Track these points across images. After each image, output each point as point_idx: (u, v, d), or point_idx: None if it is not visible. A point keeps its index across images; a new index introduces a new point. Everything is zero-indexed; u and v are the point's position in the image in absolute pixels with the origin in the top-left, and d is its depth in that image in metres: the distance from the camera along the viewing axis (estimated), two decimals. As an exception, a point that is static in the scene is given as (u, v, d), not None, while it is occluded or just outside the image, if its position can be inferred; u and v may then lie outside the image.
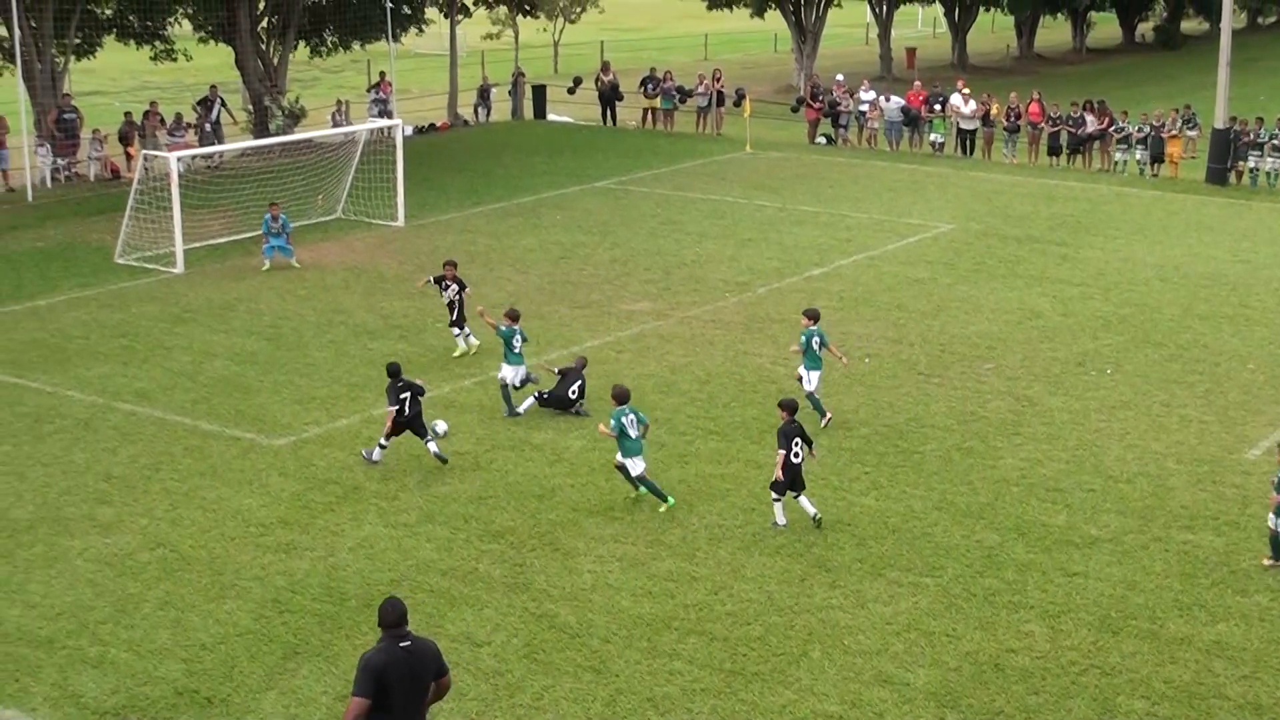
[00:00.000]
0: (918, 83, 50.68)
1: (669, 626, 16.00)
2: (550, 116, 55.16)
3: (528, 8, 60.53)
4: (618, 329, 27.15)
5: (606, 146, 48.36)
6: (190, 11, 47.06)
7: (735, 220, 36.65)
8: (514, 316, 22.64)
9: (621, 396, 19.12)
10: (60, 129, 42.05)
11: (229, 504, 19.15)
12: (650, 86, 52.03)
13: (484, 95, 54.83)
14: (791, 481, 18.42)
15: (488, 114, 54.99)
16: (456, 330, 25.62)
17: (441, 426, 21.08)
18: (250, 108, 47.05)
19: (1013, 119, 45.38)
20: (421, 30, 54.97)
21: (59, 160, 42.12)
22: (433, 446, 20.41)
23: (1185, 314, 28.42)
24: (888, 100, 47.91)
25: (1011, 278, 31.06)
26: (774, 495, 18.59)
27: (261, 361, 25.03)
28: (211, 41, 48.05)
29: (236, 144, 42.52)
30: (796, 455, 18.39)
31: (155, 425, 21.96)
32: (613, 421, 18.90)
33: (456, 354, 25.51)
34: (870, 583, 17.09)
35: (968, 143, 46.58)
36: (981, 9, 73.70)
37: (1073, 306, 28.85)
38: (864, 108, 48.30)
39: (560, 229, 35.63)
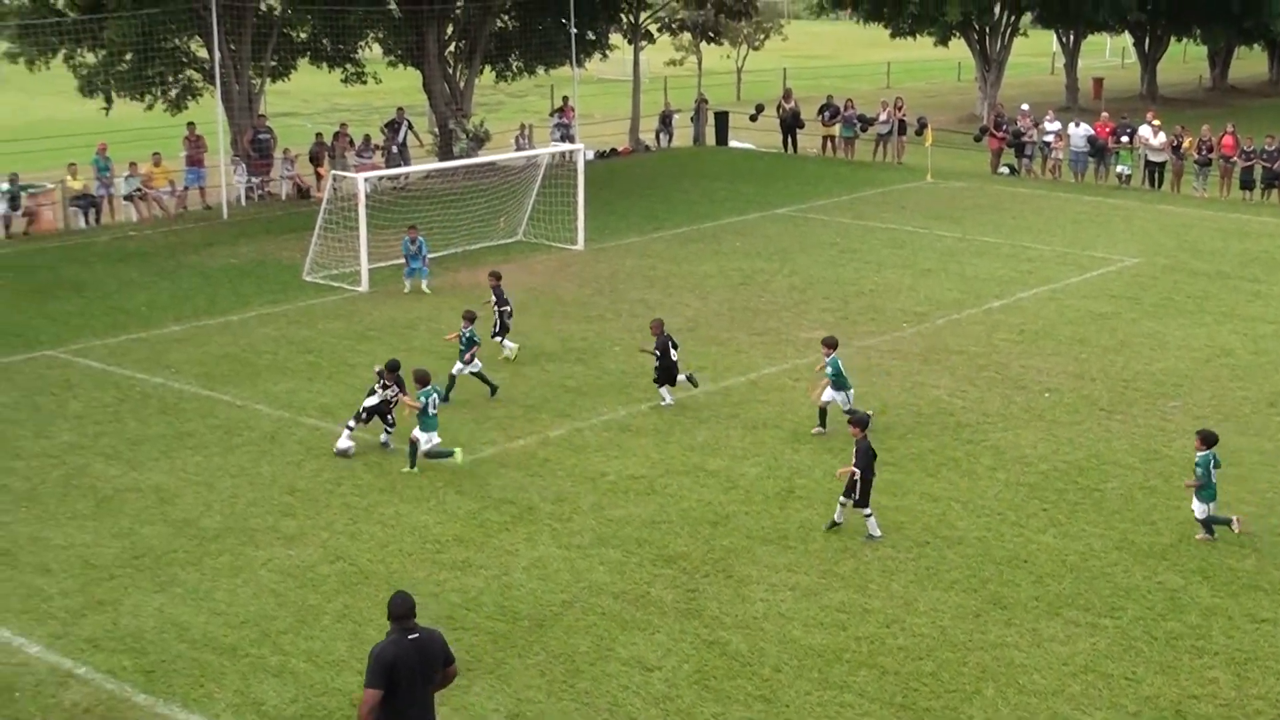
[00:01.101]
0: (1105, 113, 49.75)
1: (840, 658, 15.86)
2: (731, 143, 55.25)
3: (711, 35, 60.83)
4: (795, 356, 27.05)
5: (787, 173, 48.29)
6: (381, 36, 48.06)
7: (915, 250, 36.32)
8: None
9: (423, 379, 21.15)
10: (255, 149, 43.27)
11: (407, 520, 19.46)
12: (830, 114, 51.86)
13: (666, 121, 55.11)
14: (860, 493, 18.84)
15: (669, 139, 55.25)
16: (502, 340, 26.77)
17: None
18: (436, 130, 47.88)
19: (1204, 152, 44.29)
20: (605, 56, 55.42)
21: (253, 179, 43.33)
22: (384, 437, 22.09)
23: (1383, 355, 27.45)
24: (1076, 126, 47.10)
25: (1200, 314, 30.29)
26: (865, 512, 18.88)
27: (439, 379, 25.37)
28: (400, 65, 49.04)
29: (422, 166, 43.28)
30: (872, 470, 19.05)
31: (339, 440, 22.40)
32: (421, 398, 20.95)
33: (502, 357, 26.53)
34: (1047, 621, 16.76)
35: (1156, 175, 45.57)
36: (1173, 39, 72.11)
37: (1265, 345, 28.03)
38: (1049, 138, 47.56)
39: (740, 255, 35.64)
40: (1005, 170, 48.67)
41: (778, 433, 22.83)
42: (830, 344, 22.85)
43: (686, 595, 17.31)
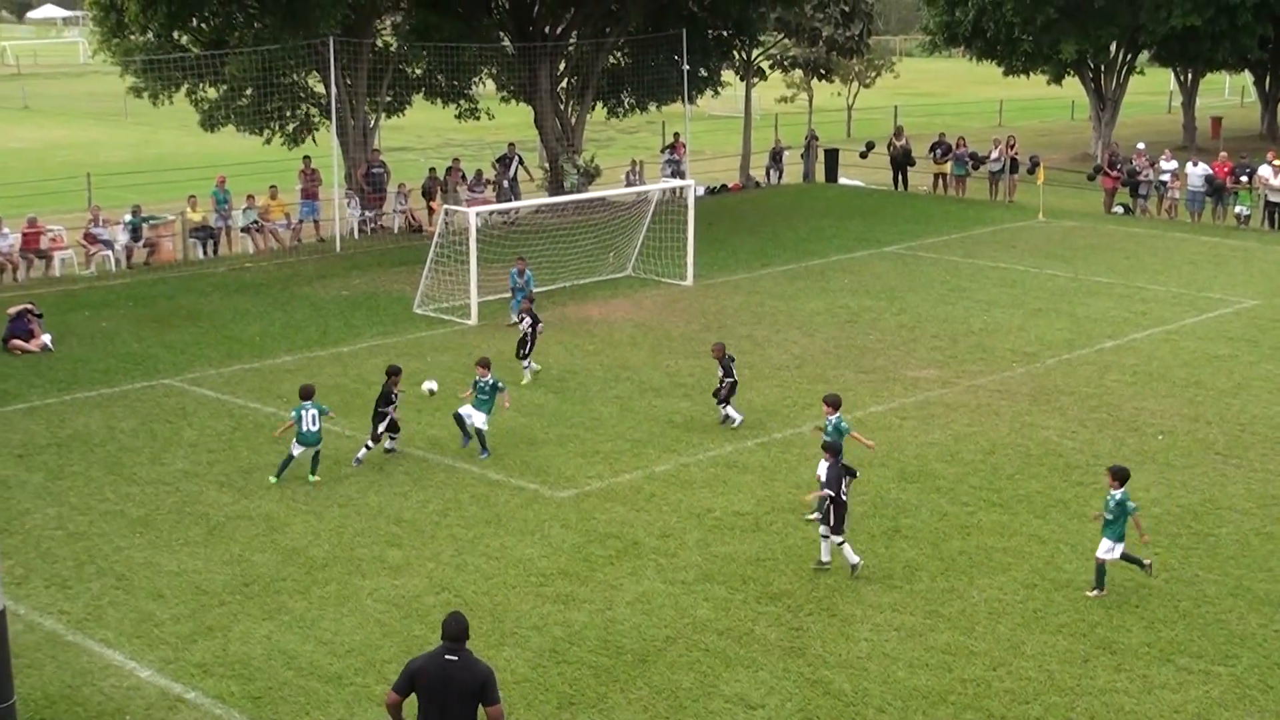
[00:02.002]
0: (1223, 153, 48.98)
1: (945, 700, 15.67)
2: (841, 180, 55.12)
3: (823, 72, 60.77)
4: (902, 395, 26.86)
5: (897, 211, 48.05)
6: (494, 72, 48.51)
7: (1025, 289, 35.96)
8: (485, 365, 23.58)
9: (306, 394, 22.20)
10: (369, 182, 43.82)
11: (511, 553, 19.53)
12: (942, 151, 51.58)
13: (776, 157, 55.11)
14: (834, 519, 18.69)
15: (779, 176, 55.23)
16: (525, 363, 27.49)
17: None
18: (546, 166, 48.24)
19: (1325, 192, 43.47)
20: (717, 93, 55.56)
21: (366, 212, 43.87)
22: (388, 443, 23.25)
23: None
24: (1194, 165, 46.43)
25: (1319, 357, 29.69)
26: (839, 540, 18.75)
27: (548, 414, 25.51)
28: (513, 101, 49.46)
29: (532, 200, 43.60)
30: (845, 493, 18.84)
31: (445, 472, 22.58)
32: (293, 413, 22.01)
33: (524, 383, 27.10)
34: (1158, 668, 16.44)
35: (1276, 216, 44.76)
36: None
37: (1385, 390, 27.40)
38: (1165, 177, 46.92)
39: (848, 293, 35.49)
40: (1119, 210, 48.08)
41: (883, 471, 22.65)
42: (832, 403, 21.18)
43: (790, 633, 17.20)
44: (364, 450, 22.98)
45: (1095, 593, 18.29)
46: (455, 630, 12.21)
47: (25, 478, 22.37)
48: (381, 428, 23.04)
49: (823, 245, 41.87)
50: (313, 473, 22.21)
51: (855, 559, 18.76)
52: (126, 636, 17.10)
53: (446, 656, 12.12)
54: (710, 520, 20.57)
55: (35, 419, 25.36)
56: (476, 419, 23.32)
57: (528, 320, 27.78)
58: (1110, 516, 18.37)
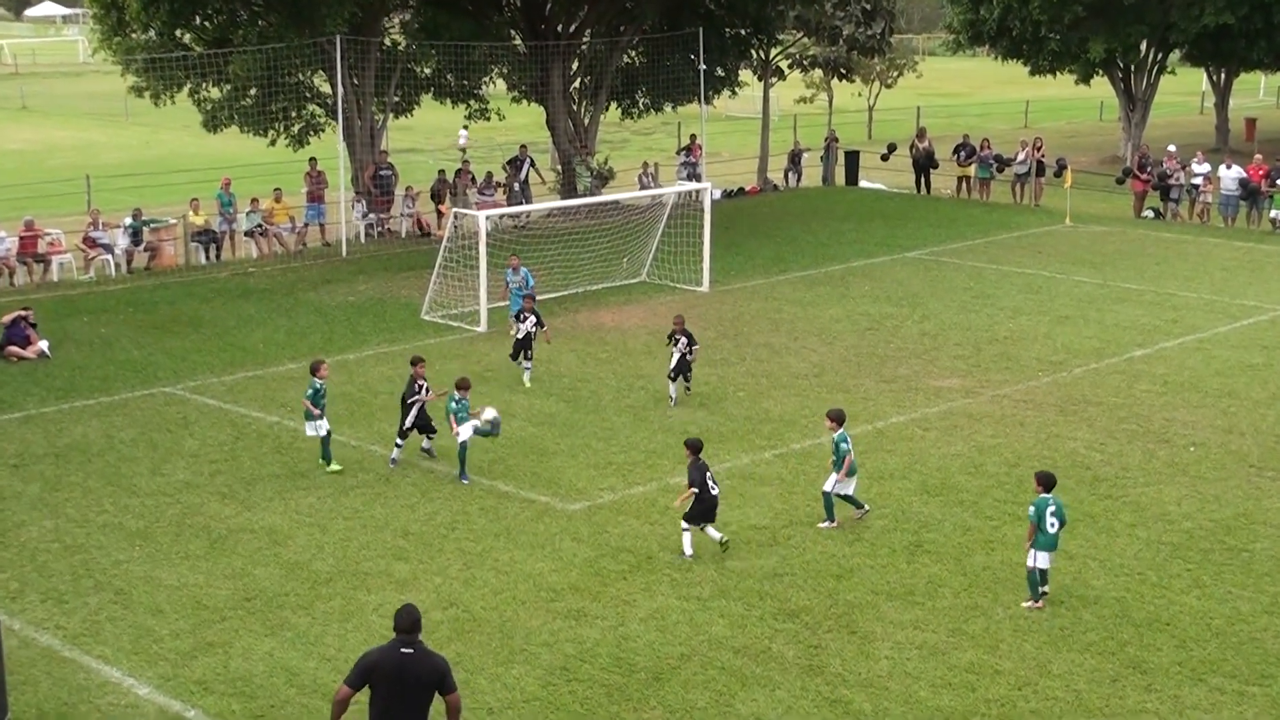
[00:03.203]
0: (1258, 155, 48.87)
1: (969, 722, 15.63)
2: (862, 183, 55.08)
3: (843, 72, 60.78)
4: (925, 405, 26.81)
5: (919, 215, 48.01)
6: (505, 71, 48.48)
7: (1052, 296, 35.89)
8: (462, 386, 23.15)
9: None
10: (376, 185, 43.85)
11: (521, 567, 19.51)
12: (966, 154, 51.52)
13: (795, 160, 55.11)
14: (705, 514, 19.72)
15: (798, 179, 55.23)
16: (525, 364, 28.00)
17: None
18: (559, 168, 48.26)
19: (1363, 196, 43.34)
20: (734, 93, 55.58)
21: (373, 216, 43.91)
22: (425, 443, 23.58)
23: None
24: (1228, 168, 46.32)
25: (1356, 367, 29.58)
26: (685, 525, 19.81)
27: (559, 424, 25.50)
28: (524, 101, 49.48)
29: (544, 204, 43.62)
30: (714, 488, 19.76)
31: (453, 483, 22.57)
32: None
33: (526, 386, 27.68)
34: (1190, 688, 16.37)
35: (1311, 220, 44.66)
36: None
37: None
38: (1197, 181, 46.82)
39: (868, 299, 35.46)
40: (1150, 214, 47.98)
41: (905, 484, 22.61)
42: (835, 418, 20.94)
43: (809, 651, 17.16)
44: (396, 450, 23.20)
45: (1030, 604, 18.42)
46: (407, 622, 12.66)
47: (21, 489, 22.40)
48: (410, 420, 23.19)
49: (843, 250, 41.83)
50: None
51: (689, 552, 19.74)
52: (125, 652, 17.10)
53: (402, 650, 12.57)
54: (726, 534, 20.49)
55: (32, 428, 25.40)
56: (464, 432, 22.55)
57: (531, 319, 27.84)
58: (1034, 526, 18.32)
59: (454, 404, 22.70)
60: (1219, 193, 46.31)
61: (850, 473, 20.80)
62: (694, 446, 20.00)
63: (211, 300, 35.38)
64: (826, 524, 20.86)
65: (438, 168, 48.21)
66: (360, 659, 12.80)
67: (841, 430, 20.76)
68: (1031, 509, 18.34)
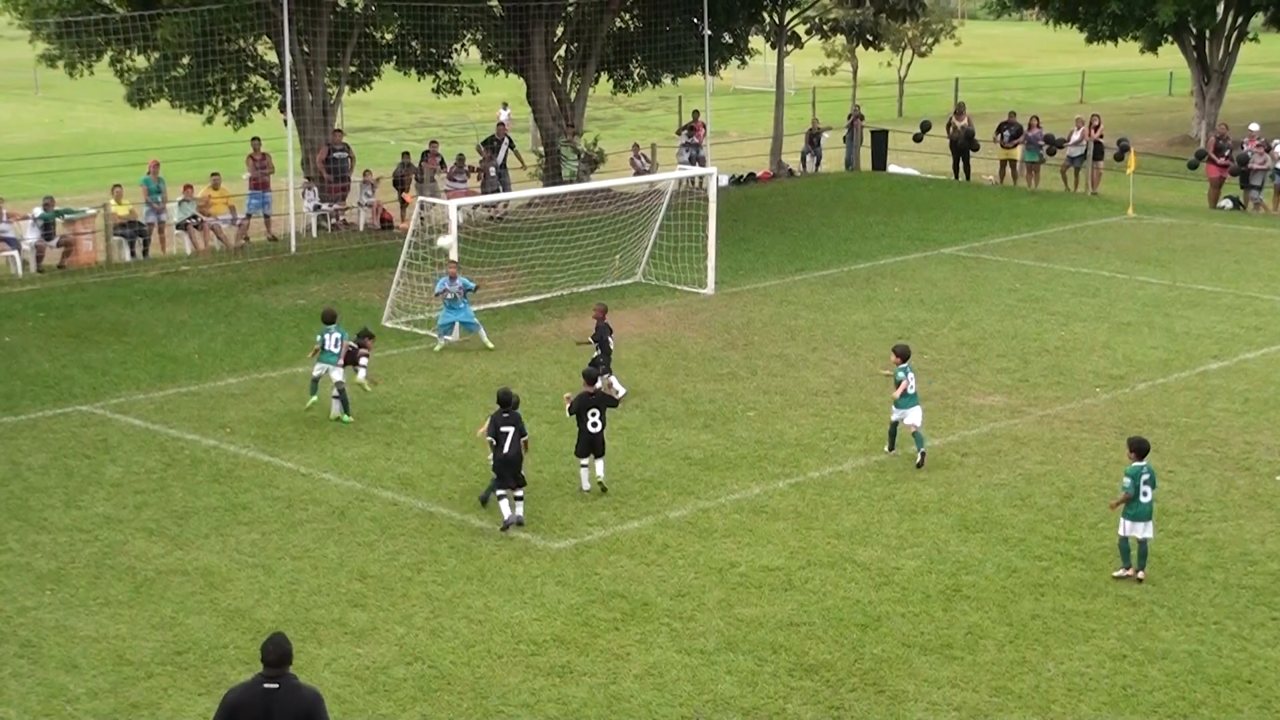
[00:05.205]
0: (1351, 136, 49.07)
1: (1016, 796, 15.65)
2: (891, 167, 55.22)
3: (870, 38, 60.80)
4: (963, 427, 26.86)
5: (957, 205, 48.12)
6: (479, 37, 48.33)
7: (1111, 299, 35.98)
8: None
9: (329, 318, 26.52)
10: (329, 170, 43.82)
11: (498, 615, 19.52)
12: (1012, 134, 51.61)
13: (814, 141, 55.23)
14: (589, 448, 23.22)
15: (817, 163, 55.35)
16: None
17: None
18: (541, 150, 48.33)
19: None
20: (744, 63, 55.72)
21: (326, 205, 43.87)
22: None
23: None
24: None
25: None
26: (583, 462, 23.43)
27: (540, 449, 25.49)
28: (501, 72, 49.47)
29: (524, 192, 43.69)
30: (594, 425, 23.04)
31: (419, 518, 22.59)
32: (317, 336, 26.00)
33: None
34: (1272, 758, 16.41)
35: None
36: None
37: None
38: (1282, 165, 47.01)
39: (898, 303, 35.53)
40: (1227, 204, 48.11)
41: (941, 519, 22.65)
42: (901, 353, 25.06)
43: (829, 713, 17.18)
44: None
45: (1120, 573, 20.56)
46: (275, 655, 12.98)
47: (-85, 523, 22.43)
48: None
49: (869, 246, 41.92)
50: (346, 412, 26.84)
51: (585, 486, 23.39)
52: (32, 715, 17.07)
53: (265, 685, 12.86)
54: (734, 576, 20.54)
55: (-73, 452, 25.44)
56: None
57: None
58: (1128, 495, 20.44)
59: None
60: (1308, 179, 46.51)
61: (907, 404, 24.67)
62: (589, 377, 23.83)
63: (137, 304, 35.41)
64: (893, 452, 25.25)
65: (401, 149, 48.26)
66: (223, 698, 13.25)
67: (905, 364, 24.79)
68: (1127, 479, 20.35)
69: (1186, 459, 25.25)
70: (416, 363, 30.73)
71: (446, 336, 31.53)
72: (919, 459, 24.63)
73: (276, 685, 12.85)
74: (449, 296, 31.19)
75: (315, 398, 27.00)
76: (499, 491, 22.14)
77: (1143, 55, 64.75)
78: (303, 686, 13.08)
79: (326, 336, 26.60)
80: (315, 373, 26.89)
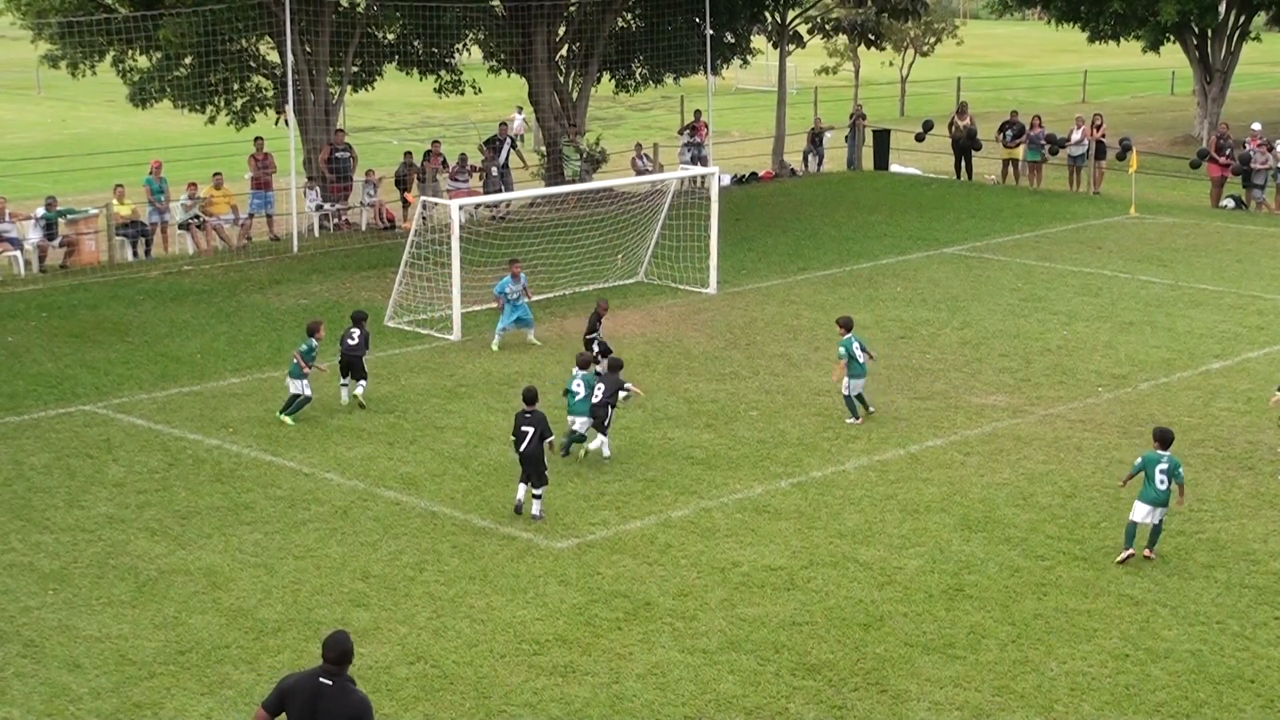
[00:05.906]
0: (1353, 135, 49.06)
1: (1018, 796, 15.65)
2: (893, 167, 55.20)
3: (872, 38, 60.82)
4: (965, 426, 26.85)
5: (959, 205, 48.10)
6: (481, 37, 48.34)
7: (1114, 299, 35.96)
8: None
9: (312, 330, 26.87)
10: (332, 169, 43.81)
11: (500, 615, 19.52)
12: (1014, 133, 51.60)
13: (816, 140, 55.21)
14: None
15: (819, 163, 55.33)
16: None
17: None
18: (543, 150, 48.31)
19: None
20: (746, 63, 55.69)
21: (329, 205, 43.85)
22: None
23: None
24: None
25: None
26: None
27: (544, 448, 25.52)
28: (504, 72, 49.47)
29: (526, 191, 43.65)
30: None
31: (421, 518, 22.60)
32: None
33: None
34: (1274, 757, 16.40)
35: None
36: None
37: None
38: (1284, 164, 46.97)
39: (901, 303, 35.52)
40: (1229, 203, 48.09)
41: (944, 518, 22.64)
42: (844, 324, 26.75)
43: (832, 712, 17.17)
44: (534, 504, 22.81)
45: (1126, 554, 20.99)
46: (335, 652, 13.00)
47: (-82, 523, 22.44)
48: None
49: (871, 246, 41.91)
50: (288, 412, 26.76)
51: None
52: (36, 715, 17.07)
53: (321, 679, 12.89)
54: (736, 576, 20.53)
55: (-70, 453, 25.45)
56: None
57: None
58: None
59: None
60: (1310, 179, 46.49)
61: (854, 375, 26.35)
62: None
63: (140, 304, 35.41)
64: (851, 420, 26.66)
65: (403, 149, 48.25)
66: (280, 681, 13.26)
67: (848, 336, 26.19)
68: (1139, 459, 21.19)
69: (1189, 458, 25.18)
70: (419, 362, 30.74)
71: (503, 334, 31.72)
72: (857, 419, 26.68)
73: (330, 682, 12.88)
74: (512, 296, 31.32)
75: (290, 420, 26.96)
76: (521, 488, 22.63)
77: (1145, 55, 64.66)
78: (354, 691, 13.07)
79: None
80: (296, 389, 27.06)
